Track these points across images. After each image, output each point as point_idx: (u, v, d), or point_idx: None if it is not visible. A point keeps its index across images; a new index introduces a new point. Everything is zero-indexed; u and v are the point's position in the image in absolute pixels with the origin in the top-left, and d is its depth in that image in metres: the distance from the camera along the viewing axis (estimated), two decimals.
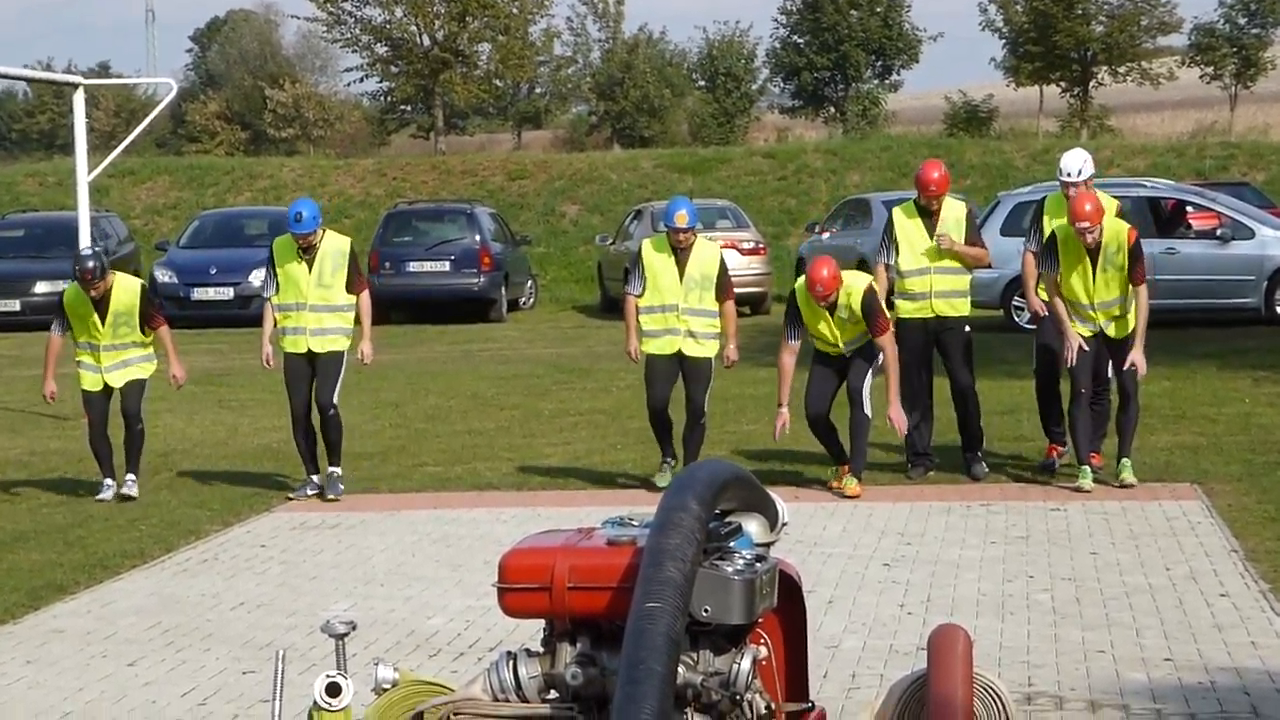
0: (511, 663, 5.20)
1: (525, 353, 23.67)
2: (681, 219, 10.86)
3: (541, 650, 5.18)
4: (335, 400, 11.19)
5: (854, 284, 10.68)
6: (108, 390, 11.20)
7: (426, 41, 50.13)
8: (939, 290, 11.25)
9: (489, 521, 10.27)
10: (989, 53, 55.23)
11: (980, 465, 11.18)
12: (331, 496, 11.08)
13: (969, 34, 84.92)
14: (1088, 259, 10.58)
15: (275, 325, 11.24)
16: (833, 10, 51.61)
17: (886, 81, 55.68)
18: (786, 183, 39.43)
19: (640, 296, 11.12)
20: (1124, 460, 10.54)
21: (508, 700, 5.16)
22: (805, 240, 31.77)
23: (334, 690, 5.49)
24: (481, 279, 28.29)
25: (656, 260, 11.05)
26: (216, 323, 27.75)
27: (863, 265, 11.85)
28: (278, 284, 11.19)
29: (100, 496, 11.07)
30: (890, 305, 11.60)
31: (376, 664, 5.56)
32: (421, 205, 33.03)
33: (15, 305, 28.03)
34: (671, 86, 55.74)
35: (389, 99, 54.48)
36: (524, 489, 11.70)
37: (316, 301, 11.08)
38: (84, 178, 19.98)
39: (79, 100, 19.99)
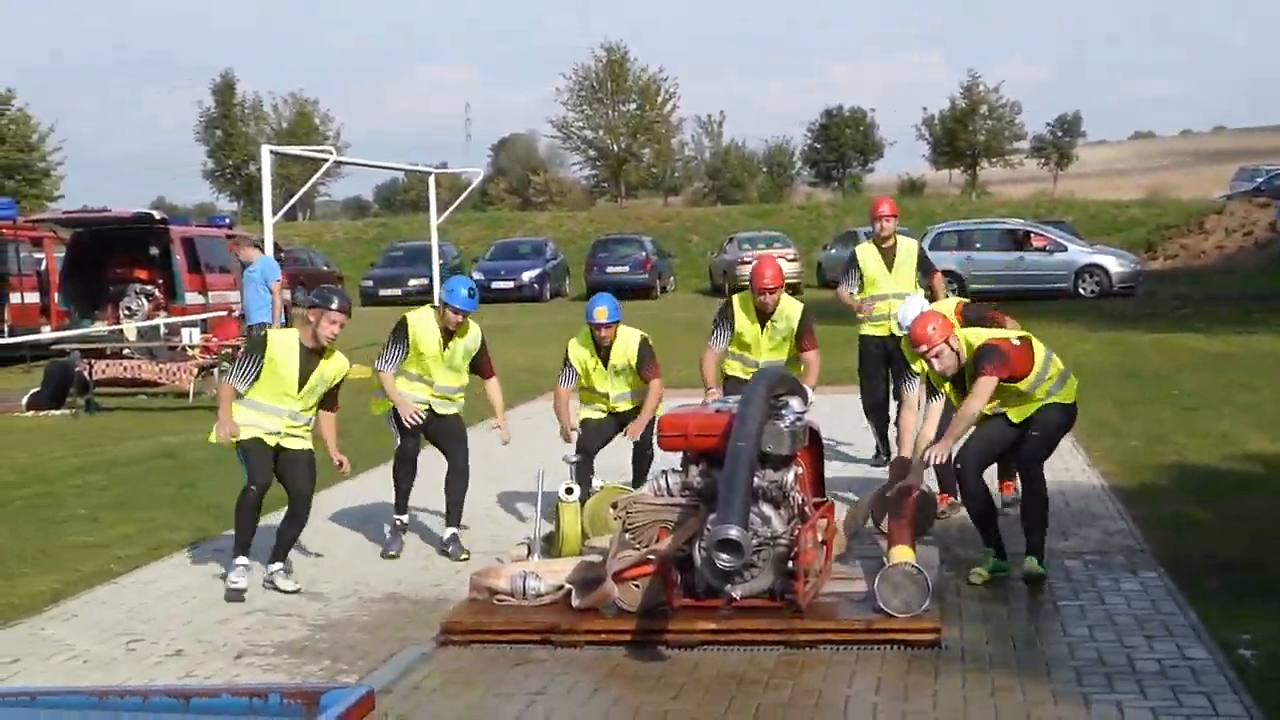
0: (664, 476, 7.37)
1: (671, 315, 32.37)
2: (601, 314, 9.61)
3: (680, 469, 7.37)
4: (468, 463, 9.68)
5: (793, 302, 10.13)
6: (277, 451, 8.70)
7: (616, 149, 71.99)
8: (896, 313, 10.56)
9: None
10: (922, 149, 76.39)
11: None
12: (460, 556, 9.39)
13: (910, 141, 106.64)
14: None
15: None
16: (835, 129, 73.55)
17: (866, 167, 79.08)
18: (811, 222, 52.07)
19: (571, 389, 9.88)
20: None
21: (662, 497, 7.32)
22: (822, 253, 42.43)
23: (569, 491, 8.33)
24: (646, 275, 40.79)
25: (583, 355, 9.85)
26: (505, 300, 39.31)
27: (852, 263, 11.28)
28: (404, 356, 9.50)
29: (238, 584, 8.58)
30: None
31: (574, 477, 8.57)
32: (614, 236, 45.59)
33: (398, 291, 39.93)
34: (749, 171, 77.68)
35: (595, 179, 76.70)
36: (669, 387, 11.59)
37: (441, 383, 9.54)
38: (434, 223, 28.12)
39: (431, 181, 28.50)
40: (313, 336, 8.56)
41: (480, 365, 9.75)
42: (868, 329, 11.83)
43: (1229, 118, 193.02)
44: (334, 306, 8.50)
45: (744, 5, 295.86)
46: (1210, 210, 45.88)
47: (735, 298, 10.49)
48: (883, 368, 11.70)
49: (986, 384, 7.99)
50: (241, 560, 8.62)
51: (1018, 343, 8.27)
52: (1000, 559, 8.37)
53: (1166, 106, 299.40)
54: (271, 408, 8.61)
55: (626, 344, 9.83)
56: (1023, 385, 8.23)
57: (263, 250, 19.49)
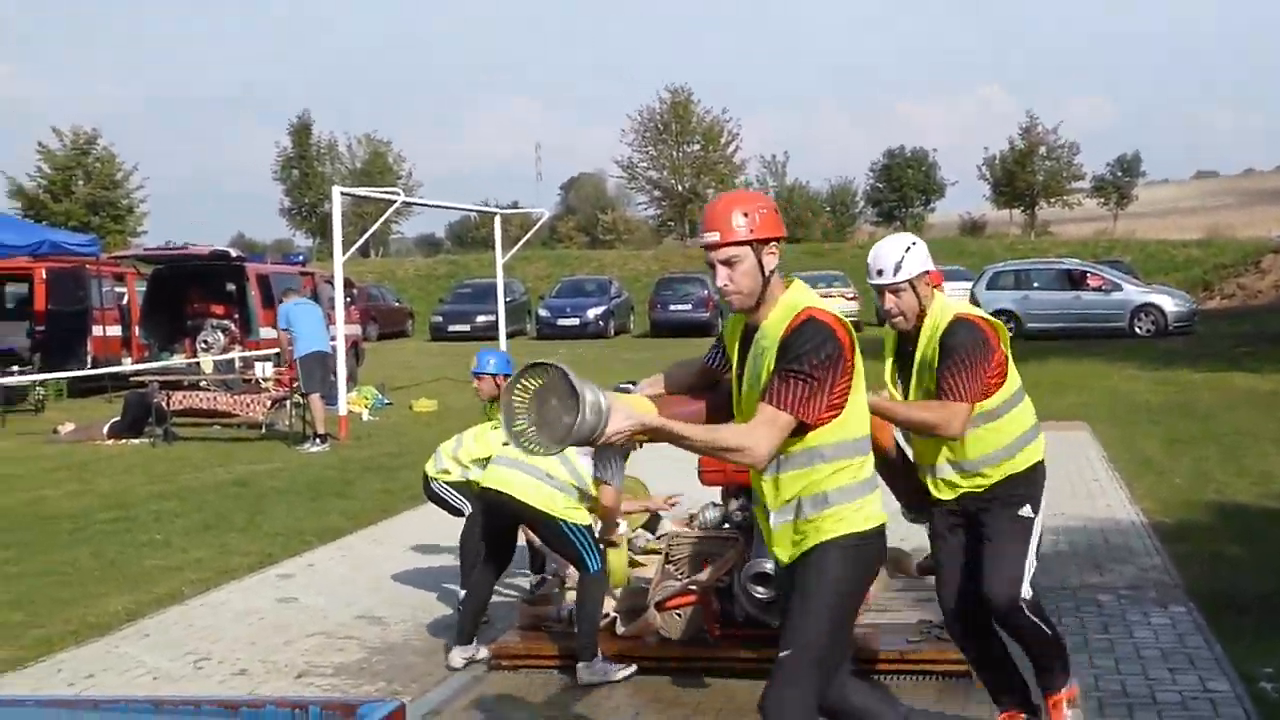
0: (706, 510, 7.93)
1: None
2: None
3: (720, 503, 7.84)
4: None
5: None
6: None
7: (680, 189, 72.58)
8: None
9: None
10: (983, 189, 76.71)
11: None
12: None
13: (972, 180, 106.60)
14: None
15: None
16: (897, 169, 74.55)
17: (928, 207, 79.72)
18: None
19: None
20: None
21: (704, 529, 7.70)
22: None
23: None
24: (708, 314, 40.88)
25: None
26: (569, 337, 40.89)
27: None
28: None
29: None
30: None
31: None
32: (676, 275, 45.93)
33: (467, 327, 41.49)
34: (813, 210, 77.98)
35: (661, 219, 78.03)
36: None
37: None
38: (499, 262, 27.23)
39: (496, 222, 28.16)
40: None
41: None
42: None
43: None
44: None
45: (817, 42, 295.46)
46: (1267, 249, 45.78)
47: None
48: None
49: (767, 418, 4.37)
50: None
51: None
52: None
53: (1231, 145, 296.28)
54: None
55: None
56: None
57: (330, 286, 19.79)
